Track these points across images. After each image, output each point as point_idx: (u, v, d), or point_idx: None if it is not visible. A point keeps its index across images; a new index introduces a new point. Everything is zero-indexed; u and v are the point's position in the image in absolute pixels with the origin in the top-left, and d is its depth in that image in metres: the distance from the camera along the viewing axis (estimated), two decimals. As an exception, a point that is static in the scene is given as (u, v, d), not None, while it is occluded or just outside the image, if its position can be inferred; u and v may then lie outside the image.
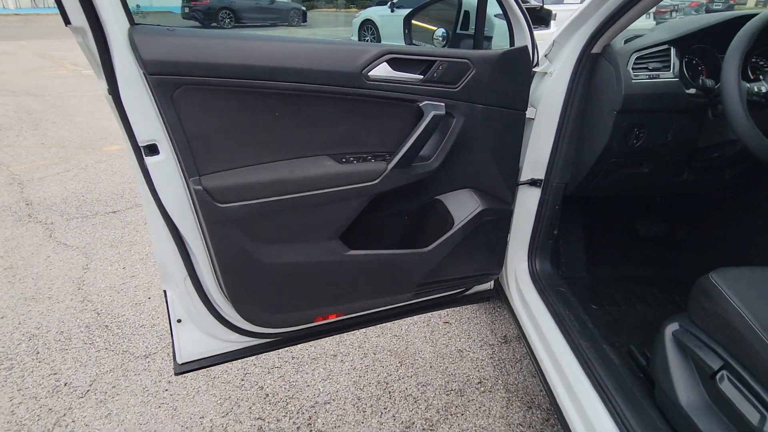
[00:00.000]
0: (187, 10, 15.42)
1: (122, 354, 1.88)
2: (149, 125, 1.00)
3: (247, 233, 1.11)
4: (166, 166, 1.04)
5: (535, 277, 1.64)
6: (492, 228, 1.44)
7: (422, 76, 1.16)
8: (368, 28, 10.62)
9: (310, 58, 1.04)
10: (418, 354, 1.94)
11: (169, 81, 0.94)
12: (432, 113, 1.15)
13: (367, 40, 10.68)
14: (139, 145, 1.00)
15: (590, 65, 1.37)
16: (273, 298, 1.22)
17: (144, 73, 0.93)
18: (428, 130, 1.16)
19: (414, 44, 1.75)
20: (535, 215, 1.62)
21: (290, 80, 1.03)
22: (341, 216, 1.19)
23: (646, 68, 1.34)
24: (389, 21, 10.13)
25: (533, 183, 1.58)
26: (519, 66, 1.26)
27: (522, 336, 1.60)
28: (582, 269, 1.87)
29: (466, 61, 1.19)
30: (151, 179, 1.04)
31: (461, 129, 1.25)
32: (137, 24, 0.92)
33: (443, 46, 1.58)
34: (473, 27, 1.38)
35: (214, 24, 15.01)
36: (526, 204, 1.61)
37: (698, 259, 1.93)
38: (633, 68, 1.32)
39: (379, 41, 10.32)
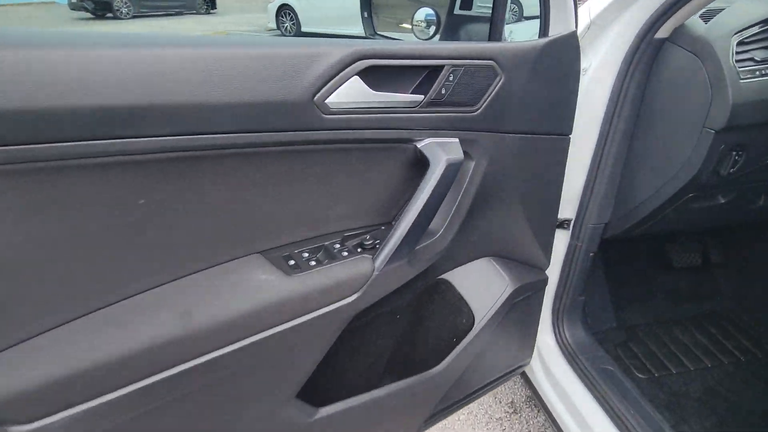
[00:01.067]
0: (75, -1, 13.42)
1: None
2: None
3: None
4: None
5: (569, 352, 1.19)
6: (524, 309, 0.97)
7: (422, 97, 0.64)
8: (287, 13, 9.72)
9: (208, 82, 0.48)
10: (410, 451, 1.46)
11: None
12: (444, 161, 0.63)
13: (286, 27, 9.76)
14: None
15: (650, 57, 0.92)
16: None
17: None
18: (440, 190, 0.65)
19: (383, 36, 1.19)
20: (562, 267, 1.18)
21: (167, 132, 0.47)
22: (299, 366, 0.64)
23: (752, 60, 0.90)
24: (308, 5, 9.29)
25: (560, 225, 1.13)
26: (565, 66, 0.78)
27: (549, 417, 1.19)
28: (610, 317, 1.47)
29: (490, 62, 0.68)
30: None
31: (483, 176, 0.75)
32: None
33: (429, 38, 1.05)
34: (479, 4, 0.87)
35: (109, 15, 13.21)
36: None
37: (734, 288, 1.61)
38: (737, 61, 0.88)
39: (299, 29, 9.46)
